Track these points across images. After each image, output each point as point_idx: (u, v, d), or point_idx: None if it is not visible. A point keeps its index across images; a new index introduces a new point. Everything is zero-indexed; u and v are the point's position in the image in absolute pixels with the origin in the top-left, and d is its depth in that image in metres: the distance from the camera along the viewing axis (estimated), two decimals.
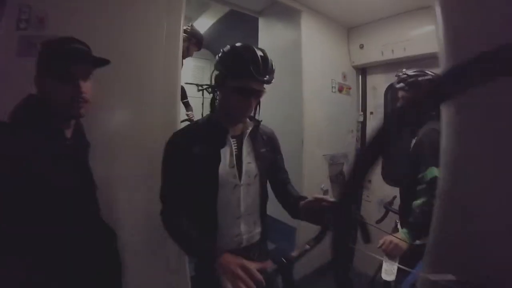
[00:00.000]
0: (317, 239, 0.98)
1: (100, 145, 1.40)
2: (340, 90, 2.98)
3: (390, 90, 2.90)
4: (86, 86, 0.98)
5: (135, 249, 1.50)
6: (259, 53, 1.05)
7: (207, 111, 1.28)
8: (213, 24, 3.30)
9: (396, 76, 1.89)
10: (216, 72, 1.12)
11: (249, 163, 1.16)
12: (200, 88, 3.28)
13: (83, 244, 0.96)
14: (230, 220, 1.13)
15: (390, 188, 2.84)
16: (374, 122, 3.15)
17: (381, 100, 3.05)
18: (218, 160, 1.10)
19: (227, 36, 2.92)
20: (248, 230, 1.17)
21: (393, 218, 2.11)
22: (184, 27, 2.07)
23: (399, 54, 2.67)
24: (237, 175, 1.13)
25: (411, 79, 1.79)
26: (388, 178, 2.96)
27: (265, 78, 1.04)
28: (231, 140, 1.15)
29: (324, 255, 1.02)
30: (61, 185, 0.92)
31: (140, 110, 1.60)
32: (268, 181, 1.29)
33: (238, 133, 1.18)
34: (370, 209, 2.99)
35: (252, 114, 1.17)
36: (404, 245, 1.49)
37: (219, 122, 1.14)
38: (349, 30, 3.08)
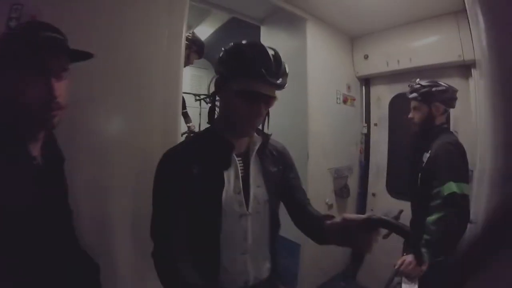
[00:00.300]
0: (354, 270, 0.83)
1: (94, 155, 1.28)
2: (345, 101, 2.93)
3: (398, 100, 2.84)
4: (60, 87, 0.76)
5: (126, 267, 1.38)
6: (270, 51, 0.87)
7: (205, 121, 1.11)
8: (213, 33, 3.23)
9: (409, 86, 1.83)
10: (216, 76, 0.95)
11: (258, 187, 0.97)
12: (197, 98, 3.20)
13: (61, 282, 0.80)
14: (235, 255, 0.94)
15: (395, 200, 2.79)
16: (378, 134, 3.09)
17: (386, 111, 3.00)
18: (221, 184, 0.90)
19: (227, 45, 2.84)
20: (256, 266, 0.97)
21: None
22: (185, 34, 1.99)
23: (405, 64, 2.62)
24: (243, 202, 0.94)
25: (425, 89, 1.73)
26: (393, 190, 2.90)
27: (278, 82, 0.85)
28: (236, 159, 0.96)
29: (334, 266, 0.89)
30: (25, 219, 0.72)
31: (139, 116, 1.47)
32: (283, 204, 1.09)
33: (244, 150, 0.99)
34: None
35: (260, 126, 0.98)
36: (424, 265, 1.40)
37: (221, 136, 0.95)
38: (353, 39, 3.05)
